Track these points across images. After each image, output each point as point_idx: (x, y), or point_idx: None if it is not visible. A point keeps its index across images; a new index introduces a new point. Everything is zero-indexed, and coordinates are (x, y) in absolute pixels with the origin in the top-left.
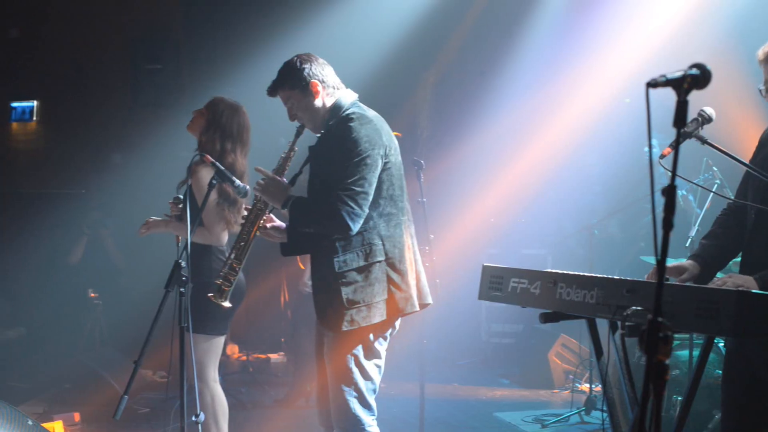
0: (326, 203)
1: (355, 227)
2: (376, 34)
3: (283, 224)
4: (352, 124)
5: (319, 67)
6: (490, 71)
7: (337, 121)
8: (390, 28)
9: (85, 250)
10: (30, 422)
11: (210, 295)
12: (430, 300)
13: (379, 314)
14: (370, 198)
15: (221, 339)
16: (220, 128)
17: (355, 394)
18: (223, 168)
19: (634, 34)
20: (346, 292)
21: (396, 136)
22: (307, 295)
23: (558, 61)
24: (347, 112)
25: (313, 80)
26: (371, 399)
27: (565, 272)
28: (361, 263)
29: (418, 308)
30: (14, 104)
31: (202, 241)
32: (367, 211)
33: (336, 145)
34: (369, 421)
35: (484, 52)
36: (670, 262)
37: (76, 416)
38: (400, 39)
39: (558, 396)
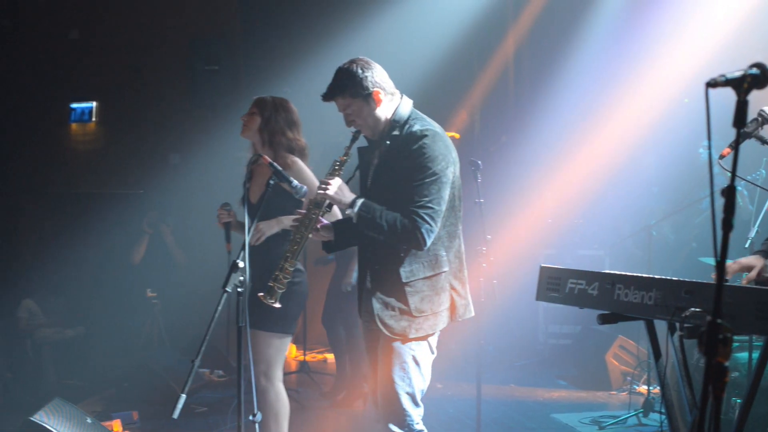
0: (404, 218)
1: (429, 244)
2: (433, 33)
3: (329, 223)
4: (426, 141)
5: (378, 74)
6: (547, 70)
7: (406, 135)
8: (446, 28)
9: (146, 249)
10: (89, 420)
11: (260, 294)
12: None
13: (442, 322)
14: (443, 214)
15: (289, 338)
16: (281, 119)
17: (408, 390)
18: (280, 169)
19: (692, 34)
20: (413, 301)
21: (453, 137)
22: (353, 297)
23: (616, 61)
24: (418, 128)
25: (375, 89)
26: (420, 397)
27: (623, 273)
28: (428, 273)
29: (473, 313)
30: (74, 105)
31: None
32: (439, 227)
33: (408, 161)
34: (417, 418)
35: (541, 51)
36: (729, 263)
37: (135, 415)
38: (456, 39)
39: (615, 398)
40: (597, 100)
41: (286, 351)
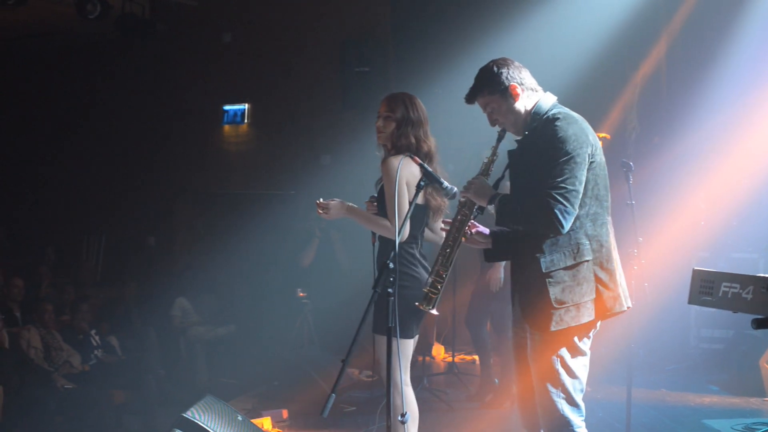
0: (537, 201)
1: (567, 226)
2: (584, 34)
3: (486, 229)
4: (558, 123)
5: (516, 70)
6: (701, 70)
7: (542, 122)
8: (597, 28)
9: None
10: (240, 417)
11: (417, 303)
12: (629, 303)
13: (587, 314)
14: (580, 196)
15: (410, 342)
16: (412, 121)
17: (562, 395)
18: (430, 170)
19: None
20: (554, 291)
21: (604, 138)
22: (499, 295)
23: None
24: (552, 113)
25: (512, 83)
26: (579, 398)
27: None
28: (569, 263)
29: (625, 308)
30: (226, 107)
31: (385, 234)
32: (577, 209)
33: (542, 145)
34: (578, 422)
35: (695, 50)
36: None
37: (284, 413)
38: (607, 39)
39: None
40: (752, 99)
41: (407, 354)
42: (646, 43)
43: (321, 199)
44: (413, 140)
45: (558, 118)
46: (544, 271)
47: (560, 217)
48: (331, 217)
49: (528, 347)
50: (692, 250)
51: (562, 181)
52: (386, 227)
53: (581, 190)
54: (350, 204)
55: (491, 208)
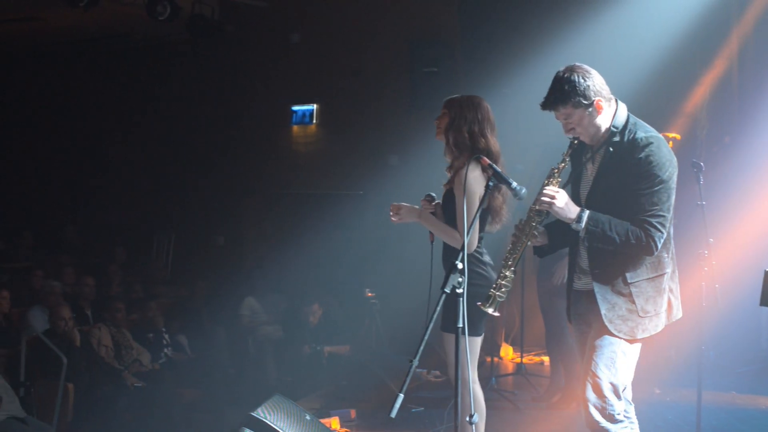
0: (636, 227)
1: (659, 249)
2: (654, 33)
3: (542, 227)
4: (652, 149)
5: (598, 81)
6: None
7: (629, 143)
8: (667, 27)
9: None
10: (308, 417)
11: (479, 303)
12: None
13: (662, 323)
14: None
15: (479, 340)
16: (463, 118)
17: (612, 379)
18: (499, 170)
19: None
20: (640, 302)
21: (674, 138)
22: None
23: None
24: (642, 135)
25: (597, 98)
26: (622, 391)
27: None
28: (652, 274)
29: (681, 314)
30: (295, 108)
31: (454, 245)
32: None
33: (635, 169)
34: (620, 409)
35: (766, 49)
36: None
37: (352, 413)
38: (677, 37)
39: None
40: None
41: (476, 352)
42: (717, 41)
43: (403, 204)
44: (466, 135)
45: (651, 143)
46: (629, 281)
47: (659, 243)
48: (402, 220)
49: (591, 334)
50: (764, 252)
51: (660, 209)
52: (456, 239)
53: (671, 215)
54: (422, 209)
55: (576, 226)
